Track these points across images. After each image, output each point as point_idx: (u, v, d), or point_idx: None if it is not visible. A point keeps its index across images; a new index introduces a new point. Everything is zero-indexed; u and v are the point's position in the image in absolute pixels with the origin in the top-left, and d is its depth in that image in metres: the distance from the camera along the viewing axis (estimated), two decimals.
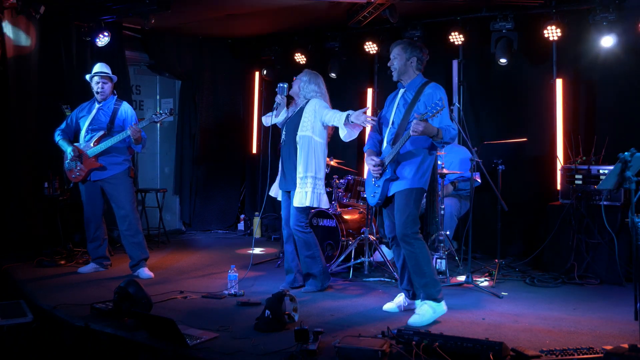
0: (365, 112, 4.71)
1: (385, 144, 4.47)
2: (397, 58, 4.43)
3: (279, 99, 5.32)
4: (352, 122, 4.77)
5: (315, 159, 5.07)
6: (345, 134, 4.94)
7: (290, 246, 5.31)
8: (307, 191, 5.01)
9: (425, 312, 4.24)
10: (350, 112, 4.79)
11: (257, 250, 6.33)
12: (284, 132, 5.27)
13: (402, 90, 4.49)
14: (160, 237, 7.61)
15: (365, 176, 4.80)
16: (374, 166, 4.39)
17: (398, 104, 4.46)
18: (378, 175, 4.41)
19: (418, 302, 4.38)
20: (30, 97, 6.81)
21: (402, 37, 7.08)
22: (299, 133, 5.08)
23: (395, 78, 4.48)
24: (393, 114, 4.46)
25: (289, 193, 5.23)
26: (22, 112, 6.75)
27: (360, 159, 7.75)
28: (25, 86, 6.77)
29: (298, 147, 5.08)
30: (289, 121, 5.25)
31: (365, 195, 5.96)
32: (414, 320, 4.21)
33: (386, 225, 4.59)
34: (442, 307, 4.31)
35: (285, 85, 5.31)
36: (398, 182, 4.37)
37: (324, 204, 5.12)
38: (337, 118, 4.89)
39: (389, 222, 4.54)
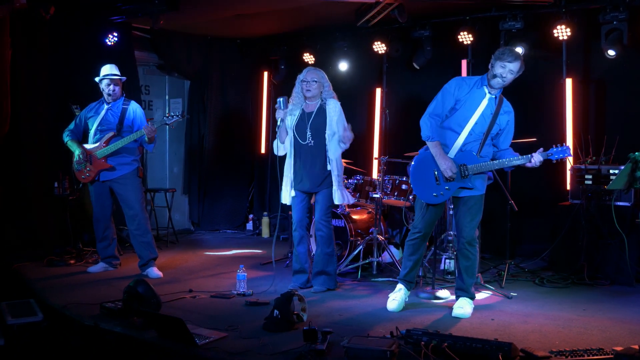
0: None
1: (460, 144, 4.43)
2: (513, 73, 4.31)
3: (281, 114, 5.14)
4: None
5: (339, 157, 5.26)
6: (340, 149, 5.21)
7: (303, 247, 5.30)
8: (341, 189, 5.19)
9: (468, 305, 4.53)
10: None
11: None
12: (309, 133, 5.15)
13: (489, 97, 4.42)
14: (169, 237, 7.63)
15: (408, 174, 4.76)
16: (452, 173, 4.39)
17: (484, 112, 4.41)
18: (453, 177, 4.42)
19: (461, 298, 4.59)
20: (40, 97, 6.85)
21: (411, 37, 7.10)
22: (328, 132, 5.14)
23: (499, 86, 4.37)
24: (476, 119, 4.41)
25: (306, 194, 5.25)
26: (32, 112, 6.77)
27: (369, 160, 7.73)
28: (36, 86, 6.81)
29: (329, 146, 5.14)
30: (313, 122, 5.17)
31: (374, 195, 5.99)
32: (461, 312, 4.46)
33: (429, 223, 4.63)
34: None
35: (283, 99, 5.15)
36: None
37: (350, 198, 5.39)
38: (343, 142, 5.18)
39: (434, 220, 4.67)
